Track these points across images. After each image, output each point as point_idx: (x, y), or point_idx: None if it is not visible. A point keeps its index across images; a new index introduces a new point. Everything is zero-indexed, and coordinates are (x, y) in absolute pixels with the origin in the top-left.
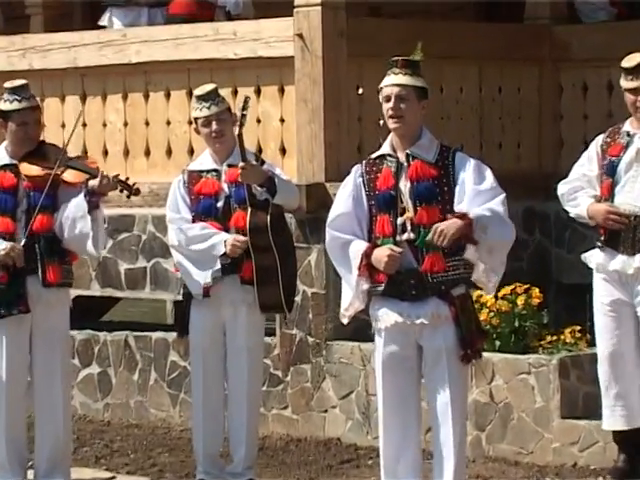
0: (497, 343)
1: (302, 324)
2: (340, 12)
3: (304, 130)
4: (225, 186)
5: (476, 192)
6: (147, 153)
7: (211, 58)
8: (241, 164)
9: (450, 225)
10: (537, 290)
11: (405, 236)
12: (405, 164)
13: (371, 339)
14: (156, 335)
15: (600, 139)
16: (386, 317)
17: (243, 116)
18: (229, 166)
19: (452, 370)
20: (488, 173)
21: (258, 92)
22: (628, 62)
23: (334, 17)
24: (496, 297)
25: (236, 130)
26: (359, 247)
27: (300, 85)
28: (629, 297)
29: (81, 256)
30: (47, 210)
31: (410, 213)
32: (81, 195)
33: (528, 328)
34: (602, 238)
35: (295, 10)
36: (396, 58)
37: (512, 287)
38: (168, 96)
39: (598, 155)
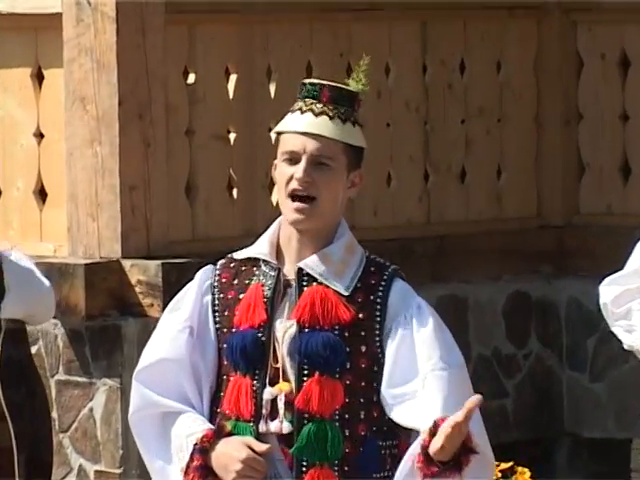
0: None
1: None
2: None
3: (82, 155)
4: None
5: (445, 384)
6: None
7: None
8: None
9: (455, 432)
10: (527, 474)
11: (274, 426)
12: (294, 286)
13: None
14: None
15: None
16: None
17: None
18: None
19: None
20: (454, 346)
21: None
22: None
23: None
24: None
25: None
26: (191, 430)
27: (74, 69)
28: None
29: None
30: None
31: (287, 385)
32: None
33: None
34: None
35: None
36: (316, 81)
37: None
38: None
39: None
